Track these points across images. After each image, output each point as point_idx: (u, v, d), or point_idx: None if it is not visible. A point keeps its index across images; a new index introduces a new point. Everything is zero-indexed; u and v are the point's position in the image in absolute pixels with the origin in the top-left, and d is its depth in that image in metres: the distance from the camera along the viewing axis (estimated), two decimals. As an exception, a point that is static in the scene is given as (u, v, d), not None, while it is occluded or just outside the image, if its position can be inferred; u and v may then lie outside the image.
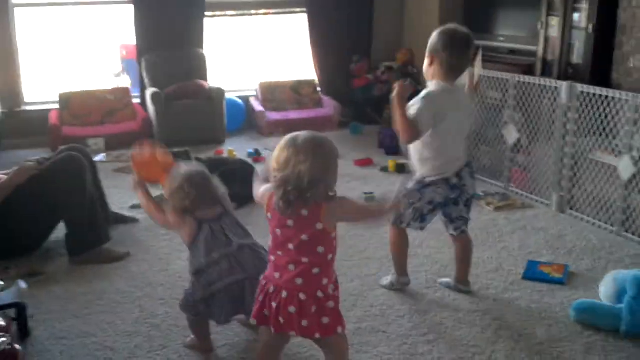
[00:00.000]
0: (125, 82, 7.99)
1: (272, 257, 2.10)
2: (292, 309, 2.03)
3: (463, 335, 2.69)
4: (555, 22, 4.79)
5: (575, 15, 4.61)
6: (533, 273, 3.21)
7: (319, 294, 2.05)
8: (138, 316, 2.89)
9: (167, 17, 6.30)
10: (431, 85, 2.88)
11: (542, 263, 3.31)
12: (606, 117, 3.78)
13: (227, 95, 6.31)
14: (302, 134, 2.03)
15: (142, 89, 6.42)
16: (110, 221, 3.87)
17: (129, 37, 6.71)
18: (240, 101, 6.67)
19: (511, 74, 4.56)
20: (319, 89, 6.98)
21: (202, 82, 6.29)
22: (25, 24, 6.62)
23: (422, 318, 2.83)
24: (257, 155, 5.54)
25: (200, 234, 2.51)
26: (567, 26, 4.67)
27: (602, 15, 4.40)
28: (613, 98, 3.72)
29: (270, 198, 2.06)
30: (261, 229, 3.90)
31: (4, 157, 5.34)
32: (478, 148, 4.87)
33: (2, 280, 2.95)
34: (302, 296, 2.03)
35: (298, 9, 6.93)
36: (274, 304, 2.05)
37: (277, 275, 2.07)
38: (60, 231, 3.58)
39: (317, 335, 2.07)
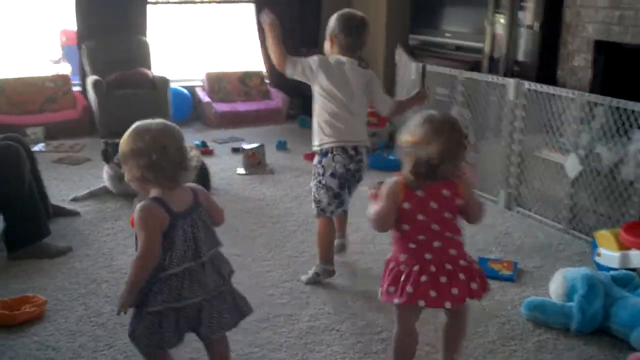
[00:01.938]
0: (66, 69, 7.71)
1: (411, 244, 2.18)
2: (462, 276, 2.16)
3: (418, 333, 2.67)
4: (501, 19, 4.85)
5: (521, 13, 4.67)
6: (484, 270, 3.22)
7: (469, 258, 2.23)
8: (82, 314, 2.77)
9: (109, 2, 6.09)
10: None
11: (492, 260, 3.33)
12: (553, 114, 3.84)
13: (173, 85, 6.16)
14: (437, 114, 2.16)
15: (83, 77, 6.20)
16: (50, 214, 3.71)
17: (70, 22, 6.47)
18: (186, 91, 6.52)
19: (459, 70, 4.58)
20: (267, 80, 6.89)
21: (146, 70, 6.12)
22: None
23: (375, 316, 2.81)
24: (203, 147, 5.42)
25: (173, 235, 1.99)
26: (514, 24, 4.73)
27: (548, 13, 4.48)
28: (560, 96, 3.78)
29: (406, 192, 2.14)
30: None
31: None
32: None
33: None
34: (462, 262, 2.19)
35: (245, 0, 6.82)
36: (443, 279, 2.14)
37: (428, 256, 2.16)
38: (-4, 225, 3.41)
39: (481, 296, 2.23)
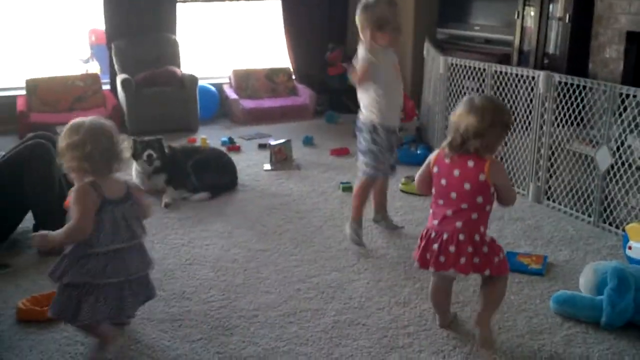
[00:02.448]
0: (95, 68, 7.81)
1: (432, 209, 2.47)
2: (452, 248, 2.37)
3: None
4: (531, 12, 4.78)
5: (552, 5, 4.60)
6: (512, 264, 3.16)
7: (476, 237, 2.38)
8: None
9: (138, 1, 6.16)
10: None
11: (521, 254, 3.29)
12: (584, 107, 3.77)
13: (200, 83, 6.19)
14: (477, 96, 2.41)
15: (112, 76, 6.28)
16: (80, 211, 3.75)
17: (99, 22, 6.55)
18: (213, 89, 6.56)
19: (488, 63, 4.52)
20: (293, 77, 6.90)
21: (174, 68, 6.17)
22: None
23: (401, 310, 2.79)
24: (231, 144, 5.45)
25: (103, 216, 2.25)
26: (544, 16, 4.66)
27: (579, 5, 4.39)
28: (590, 88, 3.71)
29: (438, 155, 2.44)
30: (234, 218, 3.85)
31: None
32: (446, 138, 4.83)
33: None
34: (461, 237, 2.37)
35: (272, -4, 6.85)
36: (435, 246, 2.39)
37: (435, 222, 2.42)
38: (28, 222, 3.46)
39: (469, 273, 2.42)
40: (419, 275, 3.11)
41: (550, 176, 4.05)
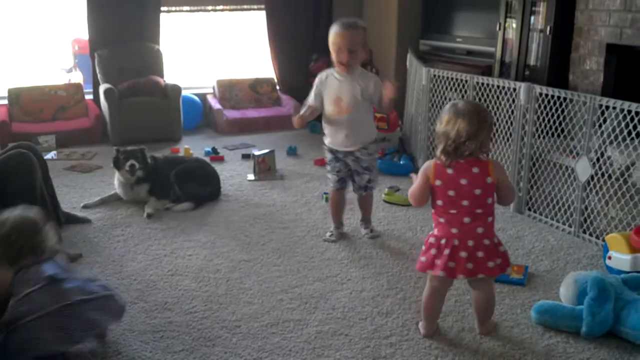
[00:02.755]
0: (78, 77, 7.78)
1: (442, 219, 2.48)
2: (480, 254, 2.43)
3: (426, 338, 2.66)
4: (513, 23, 4.83)
5: (533, 17, 4.66)
6: (493, 274, 3.21)
7: (495, 239, 2.49)
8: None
9: (121, 10, 6.14)
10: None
11: (502, 264, 3.30)
12: (564, 118, 3.82)
13: (184, 93, 6.18)
14: (460, 101, 2.48)
15: (95, 85, 6.25)
16: (61, 221, 3.74)
17: (82, 31, 6.52)
18: (197, 99, 6.55)
19: (470, 74, 4.56)
20: (277, 87, 6.91)
21: (158, 78, 6.15)
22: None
23: (384, 320, 2.80)
24: (214, 154, 5.44)
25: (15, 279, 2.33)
26: (525, 28, 4.72)
27: (559, 17, 4.46)
28: (571, 100, 3.75)
29: (436, 170, 2.46)
30: (217, 228, 3.84)
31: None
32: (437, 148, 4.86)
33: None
34: (486, 242, 2.45)
35: (256, 7, 6.85)
36: (462, 254, 2.43)
37: (454, 230, 2.45)
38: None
39: (496, 274, 2.53)
40: (401, 285, 3.13)
41: (532, 187, 4.09)
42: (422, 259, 2.54)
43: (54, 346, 2.23)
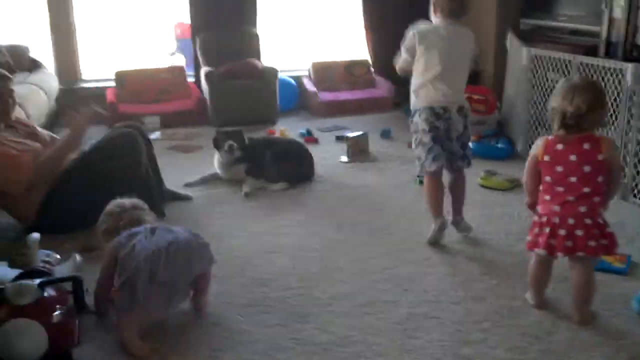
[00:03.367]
0: (180, 60, 8.06)
1: (547, 197, 2.51)
2: (579, 232, 2.43)
3: (519, 324, 2.62)
4: (620, 1, 4.60)
5: (642, -5, 4.41)
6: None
7: (600, 219, 2.47)
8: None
9: (221, -5, 6.30)
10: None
11: (603, 252, 3.19)
12: (675, 101, 3.61)
13: (280, 75, 6.29)
14: (575, 76, 2.50)
15: (197, 68, 6.46)
16: (165, 198, 3.91)
17: (184, 15, 6.75)
18: (293, 81, 6.64)
19: (573, 54, 4.39)
20: (372, 69, 6.90)
21: (255, 61, 6.29)
22: (83, 2, 6.71)
23: (476, 305, 2.77)
24: (309, 136, 5.52)
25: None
26: (633, 6, 4.47)
27: (672, -7, 4.20)
28: (683, 81, 3.55)
29: (546, 145, 2.48)
30: (311, 208, 3.90)
31: (62, 134, 5.45)
32: (538, 131, 4.72)
33: (58, 254, 3.01)
34: (587, 221, 2.43)
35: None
36: (561, 232, 2.45)
37: (556, 208, 2.47)
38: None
39: (600, 255, 2.54)
40: (495, 272, 3.08)
41: (638, 172, 3.90)
42: (528, 237, 2.59)
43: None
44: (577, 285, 2.59)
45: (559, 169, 2.45)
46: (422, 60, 3.33)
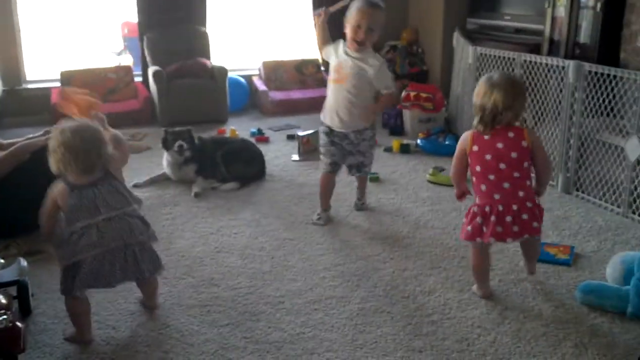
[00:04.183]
0: (127, 60, 7.93)
1: (482, 187, 2.59)
2: (525, 216, 2.55)
3: (468, 316, 2.66)
4: (562, 1, 4.72)
5: (583, -6, 4.54)
6: (540, 254, 3.18)
7: (536, 200, 2.61)
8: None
9: (169, -6, 6.22)
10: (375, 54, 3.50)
11: (548, 244, 3.27)
12: (614, 96, 3.73)
13: (230, 74, 6.25)
14: (495, 73, 2.60)
15: (144, 68, 6.37)
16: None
17: (131, 14, 6.64)
18: (243, 80, 6.61)
19: (517, 52, 4.49)
20: (322, 68, 6.91)
21: (205, 60, 6.23)
22: (27, 1, 6.54)
23: (426, 299, 2.81)
24: (259, 135, 5.50)
25: (69, 200, 2.40)
26: (575, 5, 4.60)
27: (611, -7, 4.33)
28: (621, 77, 3.67)
29: (474, 136, 2.60)
30: (262, 207, 3.89)
31: (5, 136, 5.28)
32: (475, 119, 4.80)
33: (2, 258, 2.93)
34: (528, 204, 2.57)
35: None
36: (508, 218, 2.55)
37: (497, 196, 2.56)
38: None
39: (537, 236, 2.65)
40: (444, 264, 3.13)
41: (580, 167, 4.02)
42: (468, 228, 2.64)
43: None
44: (529, 250, 2.83)
45: (488, 157, 2.57)
46: None
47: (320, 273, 3.06)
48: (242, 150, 4.52)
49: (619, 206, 3.71)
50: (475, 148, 2.60)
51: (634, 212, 3.62)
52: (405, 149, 5.01)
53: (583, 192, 4.00)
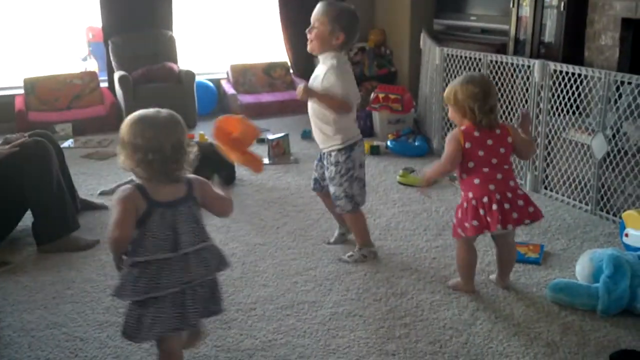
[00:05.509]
0: (93, 65, 7.82)
1: (476, 180, 2.65)
2: (520, 202, 2.64)
3: (440, 318, 2.66)
4: (527, 1, 4.77)
5: (547, -6, 4.59)
6: (509, 253, 3.20)
7: (519, 191, 2.68)
8: (109, 305, 2.81)
9: (134, -3, 6.15)
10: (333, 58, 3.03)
11: (518, 243, 3.28)
12: (579, 95, 3.77)
13: (198, 78, 6.19)
14: (477, 75, 2.73)
15: (110, 73, 6.28)
16: (78, 208, 3.78)
17: (95, 18, 6.54)
18: (211, 84, 6.56)
19: (483, 53, 4.52)
20: (291, 71, 6.89)
21: (172, 64, 6.17)
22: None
23: (398, 301, 2.80)
24: (229, 139, 5.45)
25: (149, 222, 1.97)
26: (539, 5, 4.65)
27: (574, -7, 4.38)
28: (586, 76, 3.71)
29: (464, 134, 2.65)
30: (234, 213, 3.85)
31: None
32: (453, 128, 4.83)
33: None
34: (519, 192, 2.67)
35: (268, -11, 6.82)
36: (506, 206, 2.61)
37: (492, 186, 2.63)
38: (27, 219, 3.48)
39: (539, 217, 2.70)
40: (415, 266, 3.13)
41: (547, 165, 4.05)
42: (474, 222, 2.63)
43: None
44: (504, 254, 2.84)
45: (481, 153, 2.64)
46: (353, 92, 3.07)
47: (292, 278, 3.04)
48: (210, 154, 4.46)
49: (587, 204, 3.75)
50: (467, 145, 2.65)
51: (601, 210, 3.66)
52: (375, 151, 5.01)
53: (551, 190, 4.03)
